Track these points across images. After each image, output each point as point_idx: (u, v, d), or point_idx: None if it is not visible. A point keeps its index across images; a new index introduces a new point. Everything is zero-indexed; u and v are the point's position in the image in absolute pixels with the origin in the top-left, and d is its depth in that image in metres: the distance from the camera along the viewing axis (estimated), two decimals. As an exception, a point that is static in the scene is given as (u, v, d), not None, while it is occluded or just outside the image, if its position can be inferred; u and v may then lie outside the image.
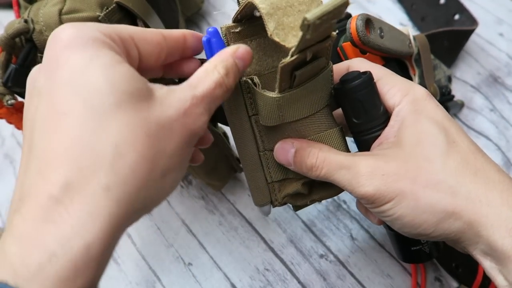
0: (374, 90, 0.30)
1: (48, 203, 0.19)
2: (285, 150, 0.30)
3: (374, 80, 0.30)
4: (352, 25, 0.35)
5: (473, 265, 0.42)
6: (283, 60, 0.24)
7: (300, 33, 0.22)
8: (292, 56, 0.24)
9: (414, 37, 0.43)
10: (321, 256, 0.44)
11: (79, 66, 0.21)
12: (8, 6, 0.64)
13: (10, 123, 0.37)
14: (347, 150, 0.31)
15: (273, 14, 0.24)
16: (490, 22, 0.59)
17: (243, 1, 0.27)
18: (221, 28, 0.30)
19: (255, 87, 0.28)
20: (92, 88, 0.20)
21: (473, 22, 0.53)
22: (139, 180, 0.20)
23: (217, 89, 0.24)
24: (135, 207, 0.21)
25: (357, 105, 0.29)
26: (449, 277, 0.43)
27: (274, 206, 0.34)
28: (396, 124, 0.29)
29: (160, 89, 0.23)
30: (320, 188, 0.33)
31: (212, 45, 0.28)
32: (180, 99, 0.23)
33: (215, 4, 0.63)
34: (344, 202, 0.47)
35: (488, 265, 0.26)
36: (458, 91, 0.54)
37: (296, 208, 0.35)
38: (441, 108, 0.29)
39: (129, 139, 0.20)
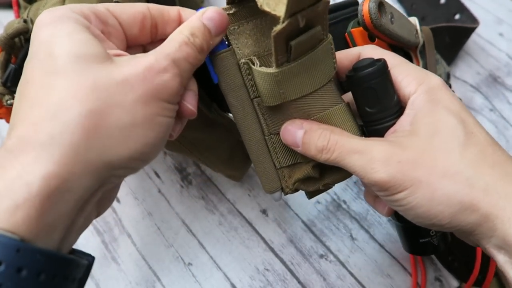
0: (388, 79, 0.29)
1: (4, 154, 0.21)
2: (293, 131, 0.29)
3: (388, 68, 0.29)
4: (365, 8, 0.34)
5: (469, 259, 0.41)
6: (275, 28, 0.23)
7: None
8: (283, 22, 0.23)
9: (421, 29, 0.42)
10: (321, 256, 0.44)
11: (44, 39, 0.23)
12: (8, 6, 0.64)
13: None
14: (356, 126, 0.30)
15: None
16: (490, 22, 0.59)
17: None
18: None
19: (253, 66, 0.28)
20: (48, 55, 0.23)
21: (473, 21, 0.53)
22: (86, 129, 0.21)
23: (183, 47, 0.25)
24: (87, 157, 0.22)
25: (370, 93, 0.28)
26: (449, 277, 0.42)
27: (286, 194, 0.33)
28: (411, 113, 0.28)
29: (121, 57, 0.24)
30: (332, 171, 0.31)
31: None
32: (141, 60, 0.24)
33: (215, 5, 0.63)
34: (344, 202, 0.46)
35: (501, 259, 0.25)
36: (457, 91, 0.53)
37: (310, 195, 0.33)
38: (457, 98, 0.28)
39: (74, 93, 0.22)
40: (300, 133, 0.28)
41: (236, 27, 0.28)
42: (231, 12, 0.28)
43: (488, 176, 0.25)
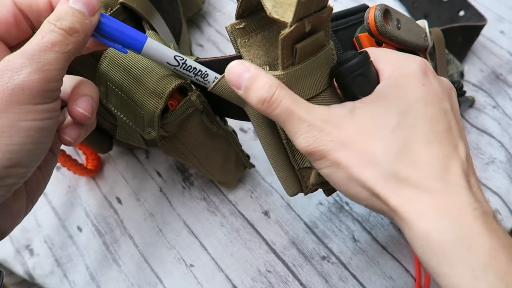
0: (369, 70, 0.27)
1: None
2: (240, 71, 0.25)
3: (371, 59, 0.27)
4: (370, 15, 0.33)
5: None
6: (283, 32, 0.23)
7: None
8: (290, 26, 0.22)
9: (430, 31, 0.40)
10: (323, 258, 0.41)
11: None
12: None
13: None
14: None
15: None
16: (491, 20, 0.55)
17: None
18: (226, 27, 0.28)
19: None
20: None
21: (479, 17, 0.49)
22: None
23: (47, 36, 0.22)
24: None
25: (352, 85, 0.27)
26: (453, 279, 0.39)
27: (306, 194, 0.33)
28: (372, 94, 0.26)
29: None
30: None
31: (107, 30, 0.25)
32: None
33: (216, 5, 0.59)
34: (347, 203, 0.43)
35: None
36: (460, 89, 0.50)
37: (328, 192, 0.33)
38: (424, 89, 0.25)
39: None
40: (246, 76, 0.25)
41: (246, 40, 0.28)
42: (241, 26, 0.28)
43: (405, 175, 0.24)
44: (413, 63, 0.26)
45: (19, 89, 0.21)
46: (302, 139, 0.25)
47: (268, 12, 0.23)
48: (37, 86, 0.21)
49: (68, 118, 0.27)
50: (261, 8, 0.26)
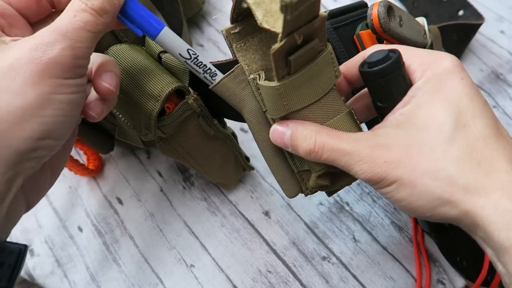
0: (401, 74, 0.25)
1: None
2: (281, 132, 0.27)
3: (403, 60, 0.26)
4: (374, 12, 0.31)
5: (478, 259, 0.38)
6: (273, 47, 0.22)
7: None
8: (280, 41, 0.21)
9: (429, 28, 0.39)
10: (324, 258, 0.40)
11: None
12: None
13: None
14: (358, 130, 0.27)
15: (260, 3, 0.22)
16: (491, 19, 0.54)
17: None
18: (222, 31, 0.27)
19: (258, 81, 0.26)
20: None
21: (478, 17, 0.48)
22: None
23: (79, 15, 0.22)
24: None
25: (380, 89, 0.26)
26: (452, 280, 0.39)
27: (306, 195, 0.32)
28: (406, 101, 0.25)
29: (16, 42, 0.22)
30: (343, 175, 0.29)
31: (129, 11, 0.25)
32: (28, 41, 0.22)
33: (216, 5, 0.59)
34: (347, 204, 0.43)
35: (489, 252, 0.24)
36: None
37: (329, 193, 0.32)
38: (464, 83, 0.25)
39: None
40: (288, 134, 0.26)
41: (242, 44, 0.27)
42: (236, 30, 0.27)
43: (471, 173, 0.23)
44: (446, 60, 0.25)
45: (52, 63, 0.21)
46: (357, 170, 0.24)
47: (258, 22, 0.22)
48: (68, 61, 0.22)
49: (92, 94, 0.27)
50: (247, 7, 0.25)
